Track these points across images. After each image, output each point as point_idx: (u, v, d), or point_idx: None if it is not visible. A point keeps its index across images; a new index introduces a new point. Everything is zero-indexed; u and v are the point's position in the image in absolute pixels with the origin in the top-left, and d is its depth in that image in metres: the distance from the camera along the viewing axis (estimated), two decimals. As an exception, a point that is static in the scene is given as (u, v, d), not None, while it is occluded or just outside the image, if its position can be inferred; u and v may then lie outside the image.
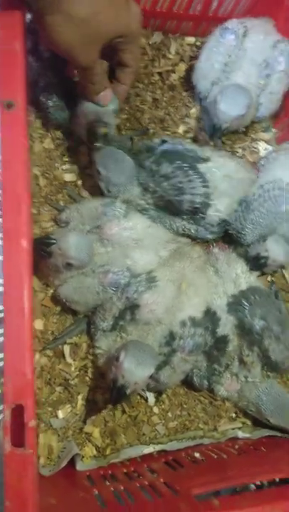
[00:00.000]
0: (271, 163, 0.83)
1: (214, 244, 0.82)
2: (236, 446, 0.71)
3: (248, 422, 0.80)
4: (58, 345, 0.77)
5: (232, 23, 0.87)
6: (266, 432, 0.76)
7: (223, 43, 0.86)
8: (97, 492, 0.58)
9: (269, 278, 0.86)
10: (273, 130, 0.95)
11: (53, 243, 0.68)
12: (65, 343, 0.77)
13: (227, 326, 0.73)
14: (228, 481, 0.55)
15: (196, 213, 0.76)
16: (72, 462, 0.70)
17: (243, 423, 0.80)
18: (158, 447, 0.73)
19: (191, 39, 0.96)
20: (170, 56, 0.95)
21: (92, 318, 0.76)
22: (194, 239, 0.81)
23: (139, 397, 0.78)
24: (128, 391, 0.62)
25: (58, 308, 0.79)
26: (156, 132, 0.89)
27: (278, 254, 0.75)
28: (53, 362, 0.76)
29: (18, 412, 0.49)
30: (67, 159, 0.86)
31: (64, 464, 0.68)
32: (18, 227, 0.55)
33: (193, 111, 0.92)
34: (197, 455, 0.69)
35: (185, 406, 0.79)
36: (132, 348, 0.64)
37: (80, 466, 0.69)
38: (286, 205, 0.77)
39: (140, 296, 0.69)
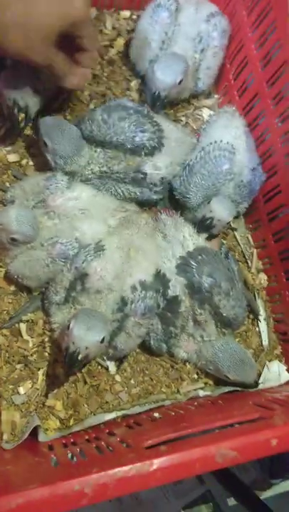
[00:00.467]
0: (212, 126, 0.84)
1: (161, 211, 0.83)
2: (195, 403, 0.72)
3: (210, 382, 0.81)
4: (14, 324, 0.77)
5: None
6: (227, 389, 0.78)
7: (157, 21, 0.86)
8: (53, 456, 0.59)
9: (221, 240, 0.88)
10: (216, 96, 0.96)
11: (-7, 220, 0.68)
12: (20, 321, 0.78)
13: (177, 287, 0.73)
14: (180, 431, 0.56)
15: (147, 154, 0.77)
16: (36, 435, 0.71)
17: (206, 383, 0.81)
18: (120, 413, 0.74)
19: (126, 13, 0.97)
20: (107, 31, 0.96)
21: (45, 294, 0.76)
22: (141, 205, 0.82)
23: (100, 366, 0.78)
24: (80, 357, 0.62)
25: (12, 288, 0.79)
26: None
27: (222, 214, 0.77)
28: (10, 340, 0.77)
29: None
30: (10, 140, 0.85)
31: (25, 436, 0.68)
32: None
33: (134, 83, 0.93)
34: (156, 415, 0.70)
35: (147, 372, 0.80)
36: (81, 315, 0.65)
37: (42, 438, 0.69)
38: (227, 165, 0.78)
39: (89, 265, 0.70)
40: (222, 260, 0.77)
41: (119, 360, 0.79)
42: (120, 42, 0.96)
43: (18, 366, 0.76)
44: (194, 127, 0.93)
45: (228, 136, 0.81)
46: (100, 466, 0.47)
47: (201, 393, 0.78)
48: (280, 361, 0.87)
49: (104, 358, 0.78)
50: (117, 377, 0.78)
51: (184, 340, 0.77)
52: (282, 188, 0.83)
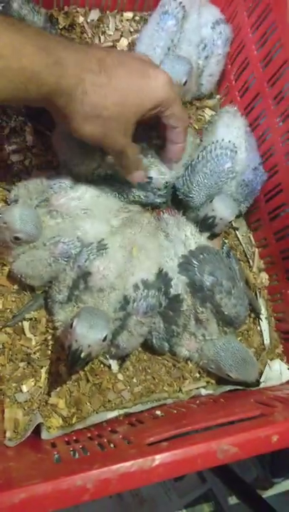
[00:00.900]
0: (213, 126, 0.84)
1: (164, 210, 0.83)
2: (197, 402, 0.73)
3: (212, 381, 0.81)
4: (17, 322, 0.78)
5: (170, 5, 0.85)
6: (228, 388, 0.78)
7: (164, 28, 0.85)
8: (56, 453, 0.59)
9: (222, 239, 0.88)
10: (217, 96, 0.97)
11: (-2, 218, 0.69)
12: (24, 319, 0.78)
13: (179, 285, 0.74)
14: (182, 428, 0.56)
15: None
16: (39, 433, 0.71)
17: (208, 382, 0.81)
18: (122, 411, 0.75)
19: (129, 14, 0.98)
20: (110, 32, 0.96)
21: (48, 293, 0.77)
22: (145, 206, 0.83)
23: (102, 365, 0.79)
24: (83, 355, 0.63)
25: (16, 287, 0.80)
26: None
27: (224, 213, 0.77)
28: (13, 338, 0.77)
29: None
30: (14, 140, 0.86)
31: (28, 434, 0.69)
32: None
33: (137, 84, 0.93)
34: (158, 413, 0.70)
35: (149, 371, 0.80)
36: (84, 313, 0.65)
37: (44, 436, 0.69)
38: (229, 163, 0.79)
39: (91, 264, 0.70)
40: (223, 259, 0.77)
41: (122, 359, 0.79)
42: (123, 43, 0.96)
43: (21, 364, 0.77)
44: (197, 128, 0.93)
45: (229, 135, 0.81)
46: (102, 461, 0.47)
47: (203, 392, 0.79)
48: (282, 360, 0.87)
49: (107, 356, 0.78)
50: (120, 376, 0.79)
51: (185, 338, 0.77)
52: (283, 187, 0.83)
